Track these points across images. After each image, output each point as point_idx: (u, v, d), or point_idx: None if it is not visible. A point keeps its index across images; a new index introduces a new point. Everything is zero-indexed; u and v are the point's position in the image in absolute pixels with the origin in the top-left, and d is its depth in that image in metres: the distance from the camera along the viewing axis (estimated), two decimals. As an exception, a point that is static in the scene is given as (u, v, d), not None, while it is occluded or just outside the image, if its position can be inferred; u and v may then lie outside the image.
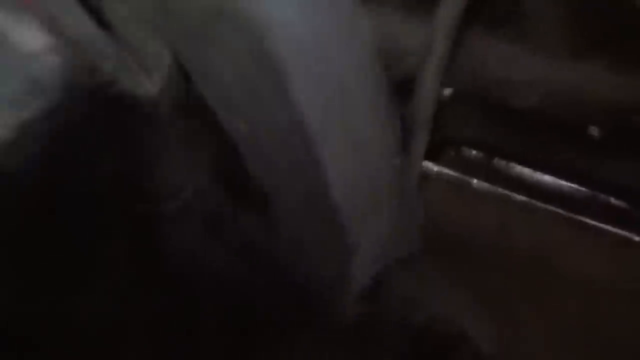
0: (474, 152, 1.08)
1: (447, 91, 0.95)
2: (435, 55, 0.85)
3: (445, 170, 1.03)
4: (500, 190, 1.04)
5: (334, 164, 0.71)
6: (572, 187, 1.03)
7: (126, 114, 0.69)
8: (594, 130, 0.98)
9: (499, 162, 1.06)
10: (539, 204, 1.02)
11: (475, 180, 1.05)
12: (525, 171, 1.05)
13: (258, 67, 0.63)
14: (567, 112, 0.97)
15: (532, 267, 0.99)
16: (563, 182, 1.03)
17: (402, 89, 0.88)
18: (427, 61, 0.86)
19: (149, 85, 0.69)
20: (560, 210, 1.01)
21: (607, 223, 0.99)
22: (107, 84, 0.66)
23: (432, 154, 0.96)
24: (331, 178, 0.71)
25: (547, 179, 1.04)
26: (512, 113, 1.02)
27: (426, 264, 0.97)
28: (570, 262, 0.98)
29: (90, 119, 0.68)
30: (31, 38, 0.62)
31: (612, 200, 1.01)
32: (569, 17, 0.95)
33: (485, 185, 1.05)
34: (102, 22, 0.66)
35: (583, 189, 1.02)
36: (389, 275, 0.89)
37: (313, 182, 0.73)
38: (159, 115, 0.70)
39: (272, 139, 0.71)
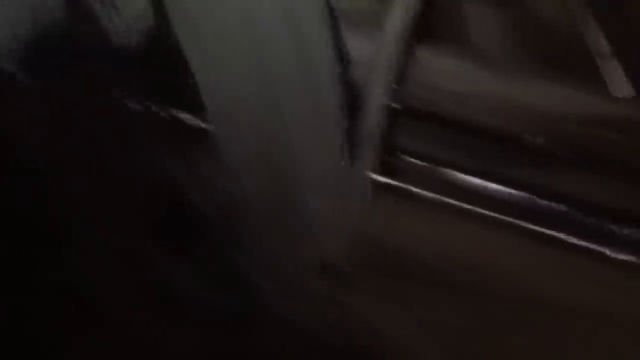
0: (419, 162, 1.09)
1: (393, 104, 0.96)
2: (383, 68, 0.87)
3: (390, 181, 1.05)
4: (445, 200, 1.06)
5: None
6: (516, 195, 1.05)
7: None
8: (534, 140, 1.00)
9: (445, 172, 1.08)
10: (485, 213, 1.04)
11: (421, 191, 1.07)
12: (471, 180, 1.07)
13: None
14: (508, 122, 1.00)
15: (478, 281, 1.00)
16: (507, 191, 1.05)
17: (351, 101, 0.90)
18: (375, 74, 0.88)
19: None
20: (505, 218, 1.03)
21: (553, 230, 1.02)
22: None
23: (378, 166, 0.97)
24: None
25: (492, 187, 1.06)
26: (458, 125, 1.04)
27: (366, 277, 0.99)
28: (518, 273, 1.00)
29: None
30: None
31: (555, 206, 1.04)
32: (508, 30, 0.99)
33: (431, 195, 1.06)
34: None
35: (526, 196, 1.04)
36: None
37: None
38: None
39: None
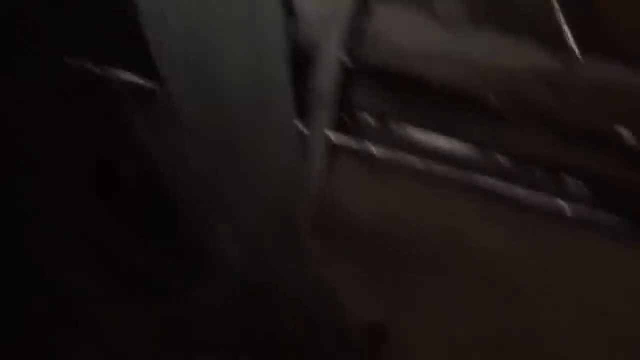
0: (372, 120, 1.08)
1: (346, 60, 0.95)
2: (340, 22, 0.85)
3: (345, 140, 1.03)
4: (402, 158, 1.05)
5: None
6: (473, 152, 1.05)
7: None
8: (491, 98, 1.00)
9: (399, 129, 1.07)
10: (441, 169, 1.04)
11: (375, 149, 1.06)
12: (425, 137, 1.06)
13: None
14: (465, 81, 1.00)
15: (440, 244, 1.01)
16: (464, 148, 1.05)
17: (303, 58, 0.87)
18: (330, 30, 0.86)
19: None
20: (463, 177, 1.03)
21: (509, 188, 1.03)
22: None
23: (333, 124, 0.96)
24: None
25: (447, 144, 1.06)
26: (414, 81, 1.03)
27: (323, 242, 0.97)
28: (479, 236, 1.01)
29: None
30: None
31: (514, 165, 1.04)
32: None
33: (387, 153, 1.05)
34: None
35: (484, 154, 1.04)
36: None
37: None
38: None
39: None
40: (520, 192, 1.04)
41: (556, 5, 0.95)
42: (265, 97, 0.81)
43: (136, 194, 0.95)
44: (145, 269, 0.93)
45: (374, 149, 1.06)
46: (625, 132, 0.97)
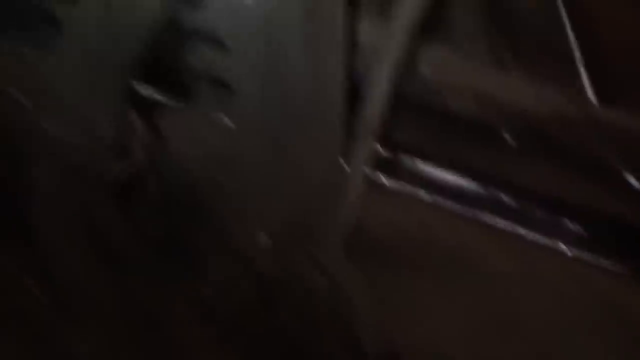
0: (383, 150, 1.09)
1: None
2: (394, 55, 0.85)
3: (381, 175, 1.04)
4: (410, 189, 1.07)
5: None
6: (481, 188, 1.08)
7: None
8: (508, 136, 1.03)
9: (409, 161, 1.09)
10: (447, 203, 1.06)
11: (386, 179, 1.06)
12: (435, 171, 1.08)
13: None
14: (485, 116, 1.02)
15: (446, 265, 1.03)
16: (473, 184, 1.08)
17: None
18: (384, 62, 0.86)
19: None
20: (468, 211, 1.06)
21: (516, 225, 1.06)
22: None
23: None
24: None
25: (456, 179, 1.08)
26: (433, 113, 1.05)
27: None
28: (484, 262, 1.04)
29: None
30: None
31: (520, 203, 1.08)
32: (493, 28, 1.00)
33: (396, 184, 1.07)
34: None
35: (493, 191, 1.07)
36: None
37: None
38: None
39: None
40: (522, 230, 1.07)
41: (577, 54, 1.00)
42: (319, 118, 0.88)
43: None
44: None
45: (384, 179, 1.07)
46: (632, 179, 1.03)
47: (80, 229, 0.99)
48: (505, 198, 1.08)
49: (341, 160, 0.91)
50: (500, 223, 1.07)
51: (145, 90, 0.96)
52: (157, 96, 1.02)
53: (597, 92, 1.02)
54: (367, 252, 0.99)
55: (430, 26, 0.97)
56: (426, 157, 1.07)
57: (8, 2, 0.97)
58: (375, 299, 0.96)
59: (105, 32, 0.87)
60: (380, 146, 0.99)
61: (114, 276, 1.05)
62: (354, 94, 0.87)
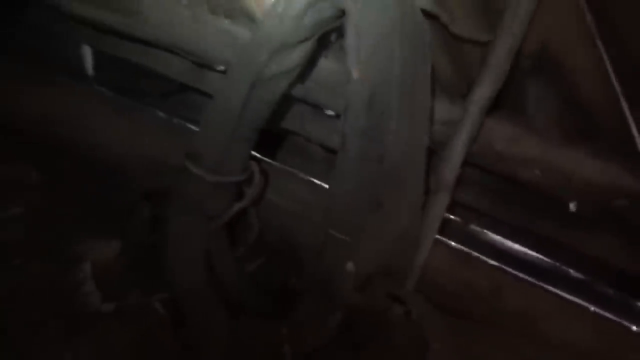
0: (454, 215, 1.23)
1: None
2: (470, 127, 1.00)
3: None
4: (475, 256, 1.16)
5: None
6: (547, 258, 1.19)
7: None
8: (573, 206, 1.13)
9: (477, 227, 1.22)
10: (515, 273, 1.15)
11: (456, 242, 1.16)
12: (503, 240, 1.21)
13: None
14: (554, 188, 1.13)
15: (513, 324, 1.12)
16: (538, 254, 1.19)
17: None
18: (461, 131, 1.01)
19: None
20: (535, 281, 1.14)
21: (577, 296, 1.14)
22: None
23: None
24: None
25: (522, 249, 1.20)
26: (504, 184, 1.18)
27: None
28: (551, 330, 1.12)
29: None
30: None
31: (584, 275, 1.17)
32: (563, 108, 1.12)
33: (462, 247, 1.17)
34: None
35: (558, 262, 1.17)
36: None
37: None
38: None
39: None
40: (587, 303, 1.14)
41: (635, 132, 1.10)
42: (409, 175, 0.99)
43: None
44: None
45: (452, 242, 1.18)
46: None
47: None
48: (570, 269, 1.18)
49: (420, 212, 1.05)
50: (565, 293, 1.15)
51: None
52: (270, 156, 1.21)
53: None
54: (439, 301, 1.09)
55: (502, 100, 1.08)
56: (495, 225, 1.21)
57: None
58: (449, 340, 1.05)
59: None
60: (451, 211, 1.14)
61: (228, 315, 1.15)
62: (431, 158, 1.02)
